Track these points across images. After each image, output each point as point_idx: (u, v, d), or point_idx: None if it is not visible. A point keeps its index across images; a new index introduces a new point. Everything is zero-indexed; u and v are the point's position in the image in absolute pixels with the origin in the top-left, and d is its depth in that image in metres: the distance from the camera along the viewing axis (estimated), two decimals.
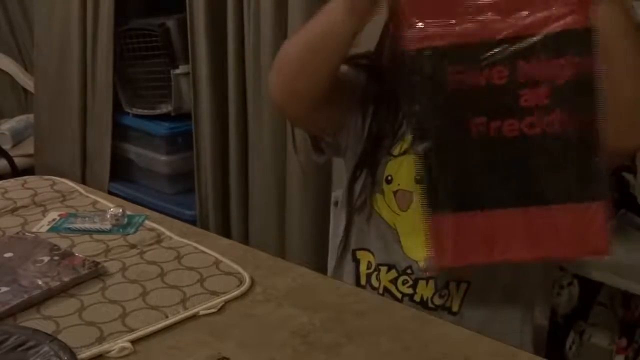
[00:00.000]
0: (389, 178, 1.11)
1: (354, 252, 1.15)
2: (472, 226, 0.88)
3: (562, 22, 0.83)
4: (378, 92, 1.11)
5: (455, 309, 1.07)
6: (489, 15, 0.84)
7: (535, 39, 0.84)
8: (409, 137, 1.05)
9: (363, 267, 1.13)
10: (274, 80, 1.06)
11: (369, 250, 1.13)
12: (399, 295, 1.09)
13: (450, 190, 0.87)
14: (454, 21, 0.84)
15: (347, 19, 0.94)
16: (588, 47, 0.83)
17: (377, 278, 1.11)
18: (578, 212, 0.86)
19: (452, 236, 0.88)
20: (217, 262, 1.09)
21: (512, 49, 0.84)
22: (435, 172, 0.87)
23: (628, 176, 1.55)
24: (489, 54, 0.84)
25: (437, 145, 0.87)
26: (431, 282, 1.08)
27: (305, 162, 1.79)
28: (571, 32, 0.83)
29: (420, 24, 0.85)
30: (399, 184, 1.10)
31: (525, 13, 0.83)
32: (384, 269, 1.11)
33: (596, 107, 0.85)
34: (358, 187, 1.13)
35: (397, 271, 1.09)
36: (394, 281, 1.10)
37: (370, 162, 1.12)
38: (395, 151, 1.10)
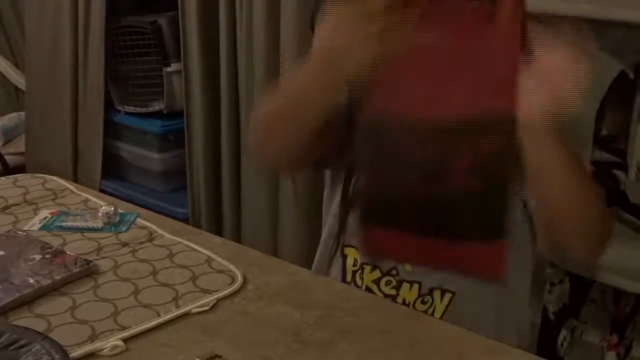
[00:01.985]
0: None
1: (343, 247, 1.15)
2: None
3: (494, 107, 0.90)
4: None
5: (437, 317, 1.06)
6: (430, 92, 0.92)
7: (467, 121, 0.91)
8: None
9: (349, 263, 1.13)
10: (252, 139, 1.08)
11: (355, 247, 1.13)
12: (381, 296, 1.09)
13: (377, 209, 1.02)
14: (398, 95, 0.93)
15: (317, 95, 0.95)
16: (511, 130, 0.90)
17: (360, 276, 1.11)
18: (483, 247, 0.98)
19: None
20: (209, 260, 1.09)
21: (446, 128, 0.92)
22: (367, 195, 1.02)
23: (619, 173, 1.55)
24: (424, 130, 0.93)
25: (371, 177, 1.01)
26: (415, 287, 1.07)
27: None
28: (500, 119, 0.90)
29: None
30: None
31: (460, 95, 0.91)
32: (367, 267, 1.10)
33: (510, 174, 0.94)
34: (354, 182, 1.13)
35: (381, 271, 1.09)
36: (377, 281, 1.10)
37: None
38: None
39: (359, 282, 1.11)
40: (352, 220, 1.13)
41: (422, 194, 0.96)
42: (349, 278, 1.13)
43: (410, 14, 0.86)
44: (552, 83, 0.85)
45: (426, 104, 0.92)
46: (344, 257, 1.14)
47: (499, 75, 0.89)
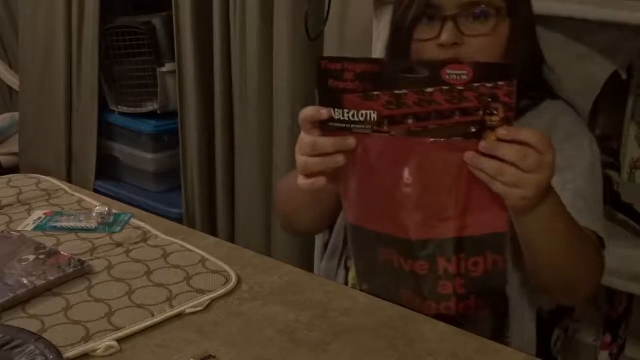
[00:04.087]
0: None
1: (346, 259, 1.15)
2: None
3: (486, 226, 0.90)
4: None
5: None
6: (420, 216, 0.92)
7: (458, 239, 0.91)
8: None
9: (351, 276, 1.13)
10: (275, 212, 1.14)
11: None
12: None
13: None
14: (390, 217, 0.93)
15: (310, 196, 1.03)
16: (503, 246, 0.91)
17: (361, 289, 1.11)
18: None
19: None
20: (203, 260, 1.09)
21: (436, 248, 0.92)
22: None
23: (612, 173, 1.55)
24: (415, 248, 0.93)
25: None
26: None
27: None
28: (492, 236, 0.91)
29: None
30: None
31: (451, 214, 0.90)
32: None
33: (504, 292, 0.97)
34: None
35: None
36: None
37: None
38: None
39: None
40: None
41: (415, 304, 0.97)
42: None
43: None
44: (513, 157, 0.84)
45: (410, 220, 0.92)
46: (347, 269, 1.15)
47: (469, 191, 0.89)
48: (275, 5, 1.86)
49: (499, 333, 1.06)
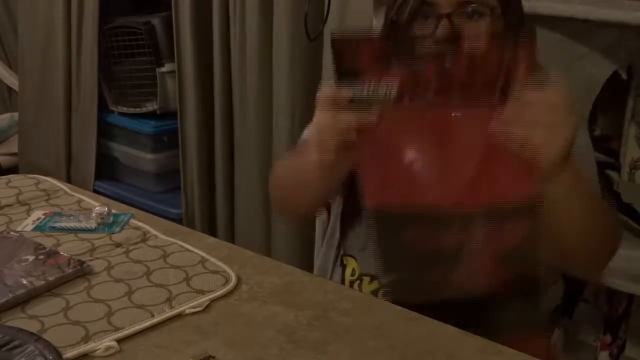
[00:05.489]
0: None
1: (342, 257, 1.15)
2: None
3: (515, 195, 0.88)
4: None
5: None
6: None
7: (488, 210, 0.89)
8: None
9: (348, 273, 1.13)
10: (271, 195, 1.14)
11: (355, 258, 1.13)
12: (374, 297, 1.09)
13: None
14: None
15: (320, 172, 0.97)
16: (534, 216, 0.89)
17: (359, 287, 1.11)
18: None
19: None
20: (203, 261, 1.09)
21: (466, 220, 0.90)
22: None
23: (612, 174, 1.55)
24: (444, 222, 0.90)
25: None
26: None
27: None
28: (522, 206, 0.89)
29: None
30: None
31: (482, 184, 0.88)
32: (366, 279, 1.11)
33: (539, 262, 0.92)
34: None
35: (380, 283, 1.09)
36: (375, 292, 1.10)
37: None
38: None
39: None
40: (352, 232, 1.14)
41: (444, 287, 0.94)
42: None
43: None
44: (541, 116, 0.84)
45: (436, 192, 0.90)
46: (344, 266, 1.15)
47: (501, 162, 0.87)
48: (275, 5, 1.86)
49: (529, 319, 1.05)
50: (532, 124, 0.84)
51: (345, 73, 0.86)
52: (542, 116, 0.84)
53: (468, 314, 0.94)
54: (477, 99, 0.84)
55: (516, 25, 1.06)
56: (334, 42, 0.86)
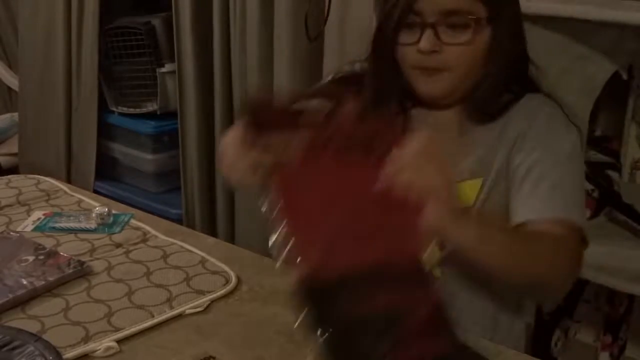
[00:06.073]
0: None
1: None
2: None
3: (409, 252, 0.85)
4: None
5: None
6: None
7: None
8: None
9: None
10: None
11: None
12: None
13: None
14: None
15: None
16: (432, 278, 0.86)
17: None
18: None
19: None
20: (203, 261, 1.09)
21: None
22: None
23: (612, 174, 1.55)
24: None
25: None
26: None
27: None
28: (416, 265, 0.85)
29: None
30: None
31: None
32: None
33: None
34: None
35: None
36: None
37: None
38: None
39: None
40: None
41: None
42: None
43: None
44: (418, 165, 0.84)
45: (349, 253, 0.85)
46: None
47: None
48: (275, 6, 1.85)
49: None
50: (409, 178, 0.84)
51: (255, 127, 0.89)
52: (413, 169, 0.84)
53: None
54: (362, 155, 0.86)
55: (508, 33, 1.06)
56: (249, 106, 0.89)
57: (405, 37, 1.04)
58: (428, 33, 1.01)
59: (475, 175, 1.08)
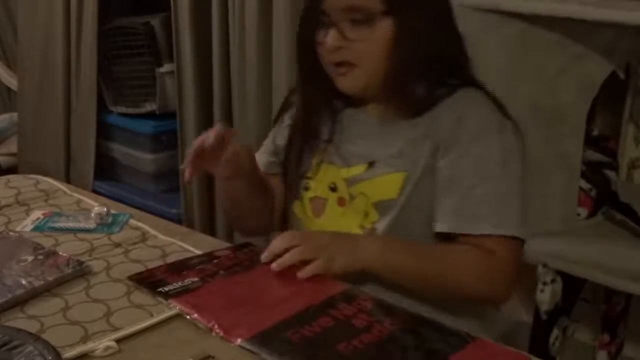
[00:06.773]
0: (307, 186, 1.19)
1: None
2: None
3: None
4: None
5: None
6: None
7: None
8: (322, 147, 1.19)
9: None
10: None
11: None
12: None
13: None
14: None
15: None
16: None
17: None
18: None
19: None
20: None
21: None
22: None
23: (610, 173, 1.56)
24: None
25: None
26: None
27: None
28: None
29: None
30: (315, 192, 1.18)
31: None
32: None
33: None
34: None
35: None
36: None
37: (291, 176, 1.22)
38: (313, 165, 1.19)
39: None
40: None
41: None
42: None
43: None
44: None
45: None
46: None
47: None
48: (274, 5, 1.86)
49: None
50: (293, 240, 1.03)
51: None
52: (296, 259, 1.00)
53: None
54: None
55: (415, 25, 1.07)
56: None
57: (320, 37, 1.10)
58: (333, 31, 1.07)
59: (398, 169, 1.10)
